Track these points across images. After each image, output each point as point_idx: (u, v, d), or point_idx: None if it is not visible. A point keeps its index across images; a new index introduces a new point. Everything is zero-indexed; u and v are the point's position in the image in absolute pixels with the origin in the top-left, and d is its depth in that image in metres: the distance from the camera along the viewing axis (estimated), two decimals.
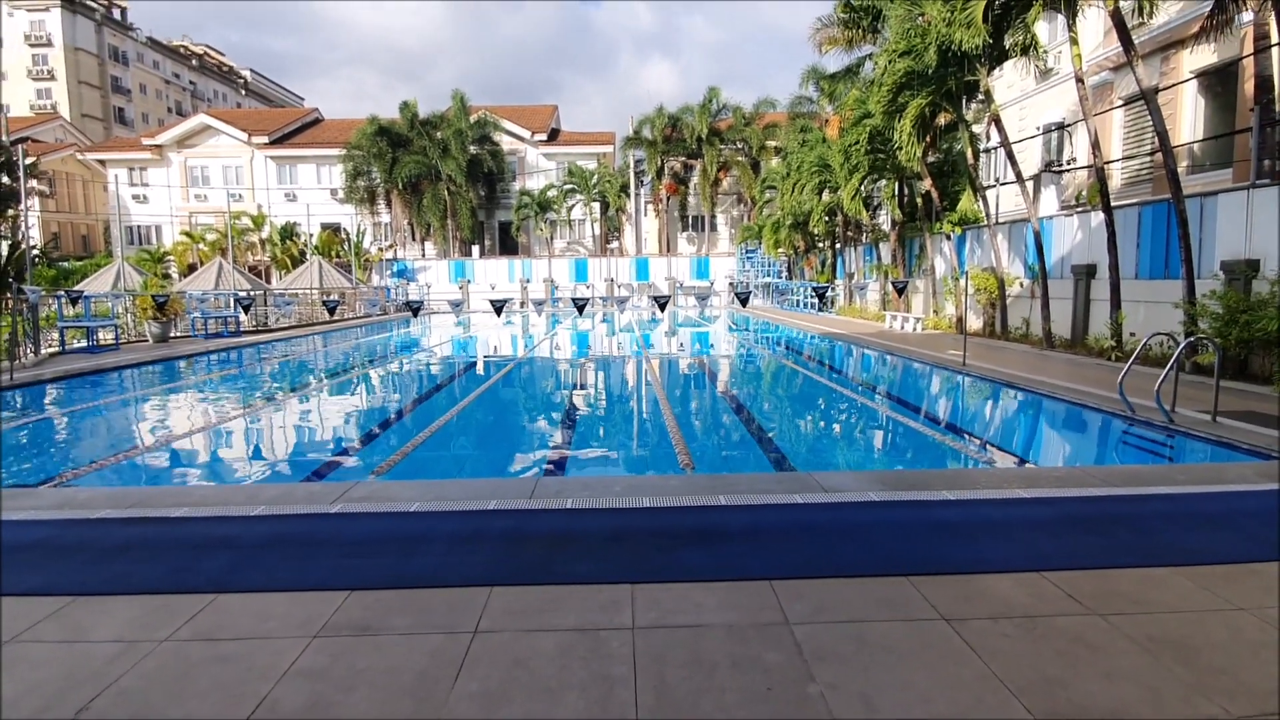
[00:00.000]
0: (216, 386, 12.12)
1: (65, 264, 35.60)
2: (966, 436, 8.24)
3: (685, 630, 2.96)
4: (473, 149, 38.18)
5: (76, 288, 21.41)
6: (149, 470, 6.71)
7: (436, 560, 3.68)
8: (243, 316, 20.81)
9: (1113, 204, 12.58)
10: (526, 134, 41.60)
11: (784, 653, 2.77)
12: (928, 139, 17.42)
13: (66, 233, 44.27)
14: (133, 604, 3.24)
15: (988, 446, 7.74)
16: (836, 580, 3.43)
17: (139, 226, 41.49)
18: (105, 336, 15.90)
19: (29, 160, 24.96)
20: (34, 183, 35.36)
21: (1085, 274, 13.77)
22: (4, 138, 29.73)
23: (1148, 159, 16.53)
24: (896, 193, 21.00)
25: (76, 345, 15.25)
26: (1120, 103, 17.30)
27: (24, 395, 10.25)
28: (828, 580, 3.43)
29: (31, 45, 60.27)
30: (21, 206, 22.77)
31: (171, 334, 17.62)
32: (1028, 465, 7.04)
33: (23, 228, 21.81)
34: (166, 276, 32.98)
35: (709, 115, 38.24)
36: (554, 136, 43.61)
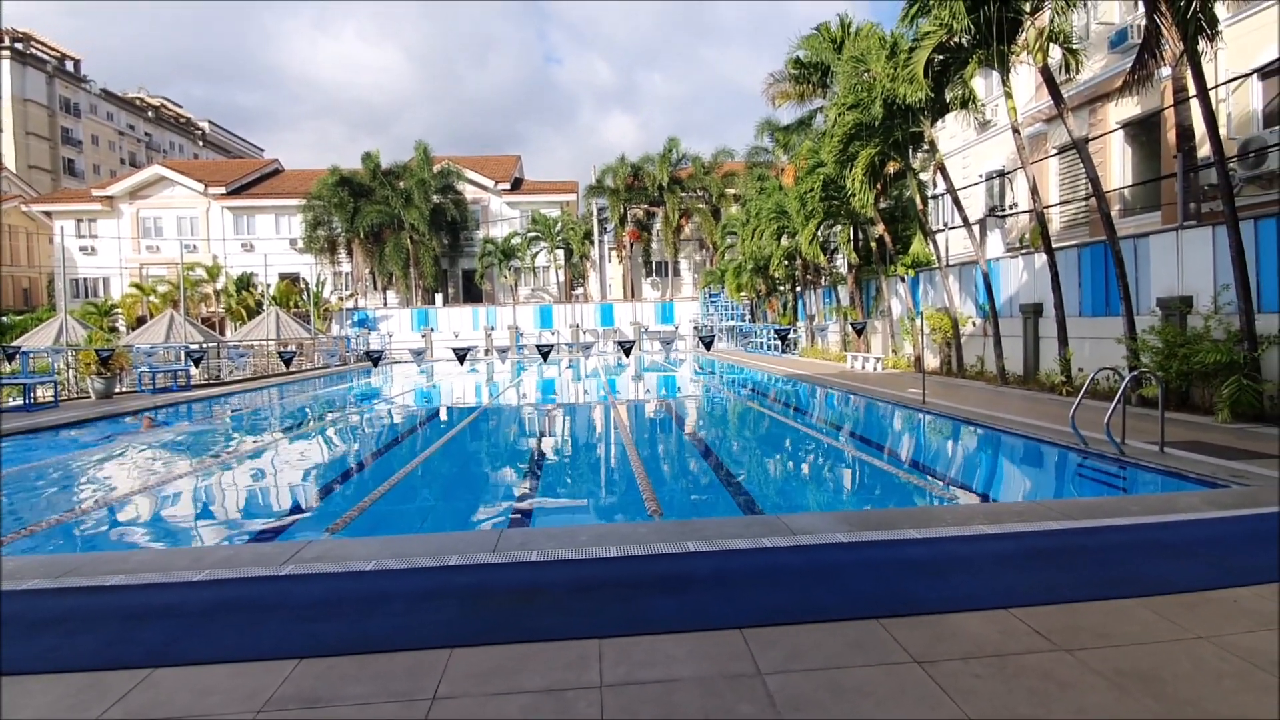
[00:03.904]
0: (161, 444, 11.62)
1: (4, 318, 34.18)
2: (930, 474, 8.33)
3: (655, 685, 2.85)
4: (436, 198, 38.33)
5: (14, 343, 20.51)
6: (85, 536, 6.32)
7: (394, 622, 3.51)
8: (193, 370, 20.14)
9: (1054, 246, 13.19)
10: (490, 183, 42.00)
11: (757, 704, 2.69)
12: (879, 186, 18.12)
13: (6, 286, 42.67)
14: (59, 683, 3.00)
15: (951, 484, 7.83)
16: (808, 625, 3.37)
17: (86, 279, 40.24)
18: (44, 394, 15.19)
19: None
20: None
21: (1033, 312, 14.30)
22: None
23: (1083, 204, 17.44)
24: (852, 237, 21.69)
25: (11, 404, 14.52)
26: (1054, 152, 18.31)
27: None
28: (799, 626, 3.37)
29: None
30: None
31: (117, 389, 16.92)
32: (990, 501, 7.12)
33: None
34: (113, 330, 31.92)
35: (669, 164, 39.24)
36: (517, 185, 44.10)
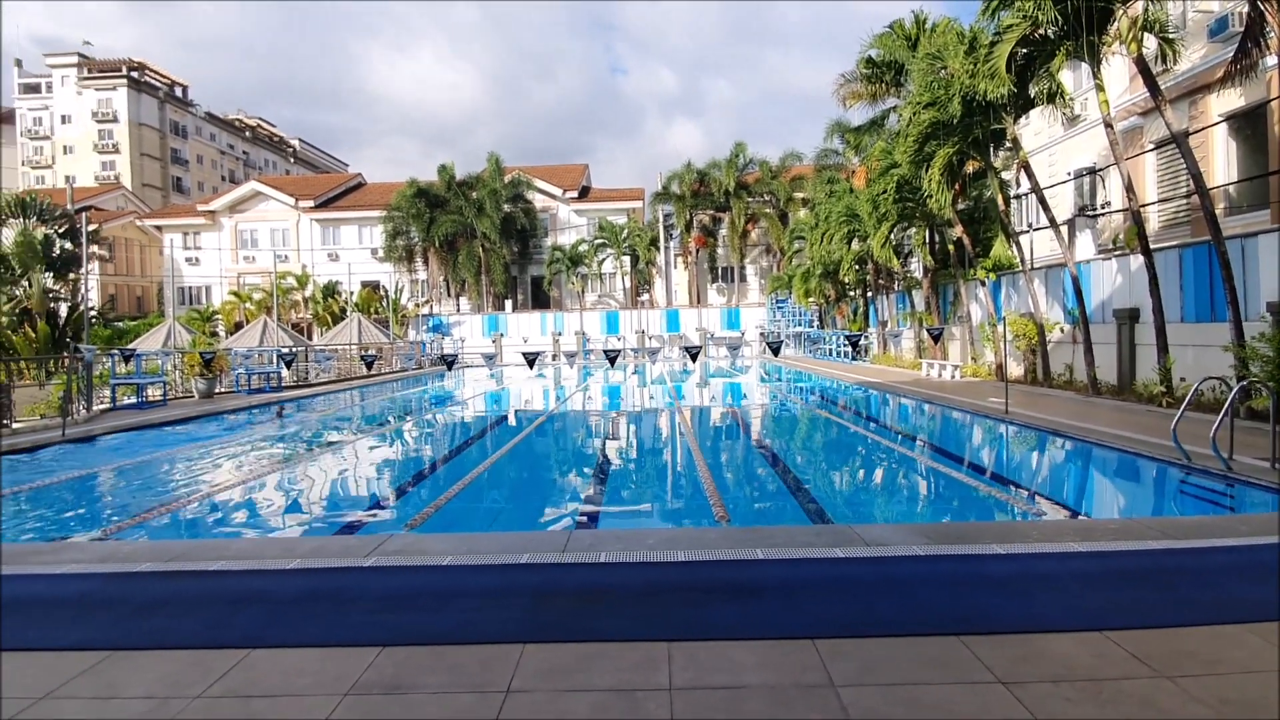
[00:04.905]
0: (256, 441, 12.38)
1: (120, 324, 37.23)
2: (1013, 487, 7.94)
3: (724, 692, 2.83)
4: (506, 207, 39.41)
5: (129, 346, 22.31)
6: (191, 523, 6.82)
7: (468, 616, 3.63)
8: (284, 372, 21.38)
9: (1152, 247, 12.35)
10: (558, 192, 42.84)
11: (830, 716, 2.63)
12: (957, 186, 17.45)
13: (123, 294, 46.52)
14: (168, 659, 3.24)
15: (1037, 498, 7.43)
16: (882, 639, 3.27)
17: (190, 287, 43.41)
18: (154, 393, 16.45)
19: (90, 227, 26.51)
20: (94, 248, 37.45)
21: (1128, 318, 13.43)
22: (68, 207, 31.72)
23: (1184, 201, 16.26)
24: (927, 240, 20.95)
25: (127, 401, 15.79)
26: (1151, 146, 17.15)
27: (76, 450, 10.59)
28: (873, 639, 3.27)
29: (98, 121, 64.76)
30: (82, 270, 24.09)
31: (217, 389, 18.16)
32: (1081, 517, 6.73)
33: (82, 290, 22.98)
34: (214, 334, 34.26)
35: (736, 169, 38.97)
36: (584, 194, 44.80)
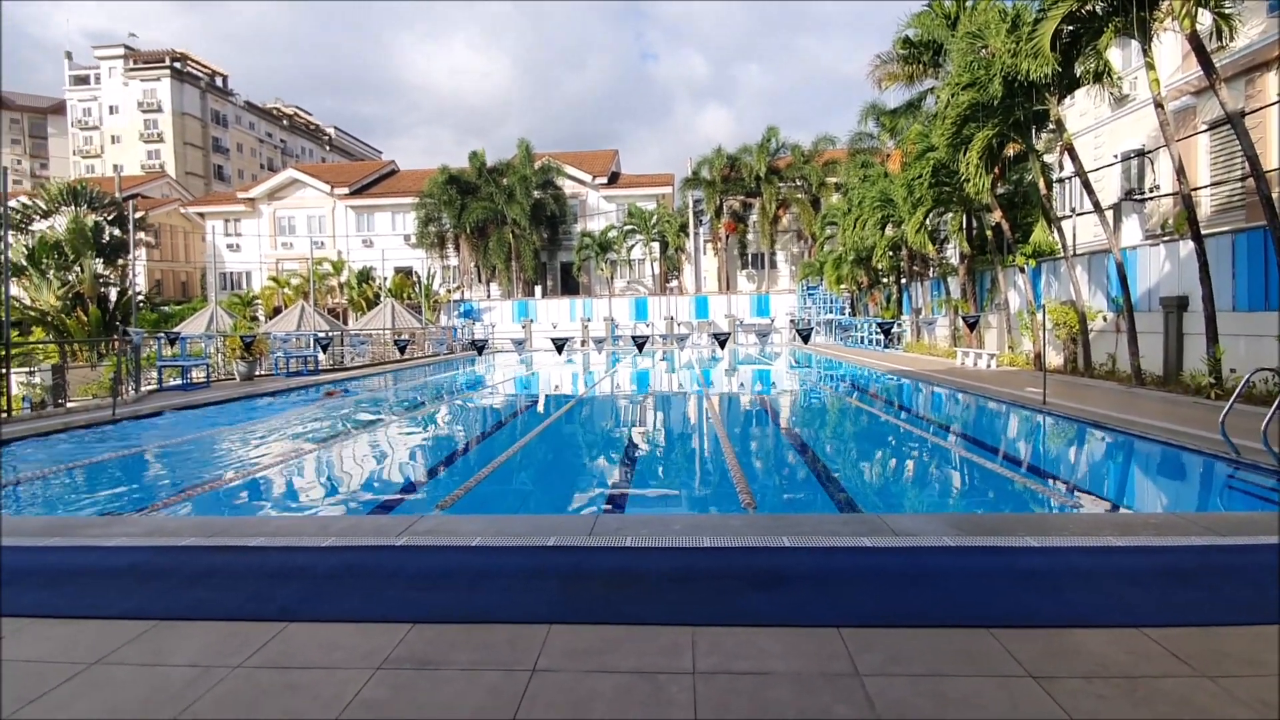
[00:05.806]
0: (294, 422, 12.70)
1: (166, 308, 38.40)
2: (1050, 480, 7.77)
3: (749, 678, 2.84)
4: (536, 194, 39.53)
5: (174, 330, 23.03)
6: (232, 500, 7.04)
7: (497, 596, 3.69)
8: (321, 356, 21.86)
9: (1203, 232, 11.87)
10: (588, 178, 42.80)
11: (855, 706, 2.62)
12: (996, 170, 16.97)
13: (168, 279, 47.96)
14: (210, 630, 3.37)
15: (1074, 491, 7.26)
16: (910, 630, 3.24)
17: (232, 273, 44.56)
18: (198, 375, 16.98)
19: (137, 215, 27.36)
20: (141, 235, 38.62)
21: (1176, 306, 12.96)
22: (117, 195, 32.76)
23: (1239, 185, 15.57)
24: (964, 225, 20.45)
25: (172, 383, 16.34)
26: (1204, 127, 16.44)
27: (125, 429, 11.00)
28: (901, 630, 3.25)
29: (144, 111, 66.61)
30: (130, 256, 24.89)
31: (256, 372, 18.66)
32: (1120, 511, 6.56)
33: (130, 276, 23.75)
34: (254, 319, 35.16)
35: (767, 154, 38.43)
36: (614, 180, 44.67)
